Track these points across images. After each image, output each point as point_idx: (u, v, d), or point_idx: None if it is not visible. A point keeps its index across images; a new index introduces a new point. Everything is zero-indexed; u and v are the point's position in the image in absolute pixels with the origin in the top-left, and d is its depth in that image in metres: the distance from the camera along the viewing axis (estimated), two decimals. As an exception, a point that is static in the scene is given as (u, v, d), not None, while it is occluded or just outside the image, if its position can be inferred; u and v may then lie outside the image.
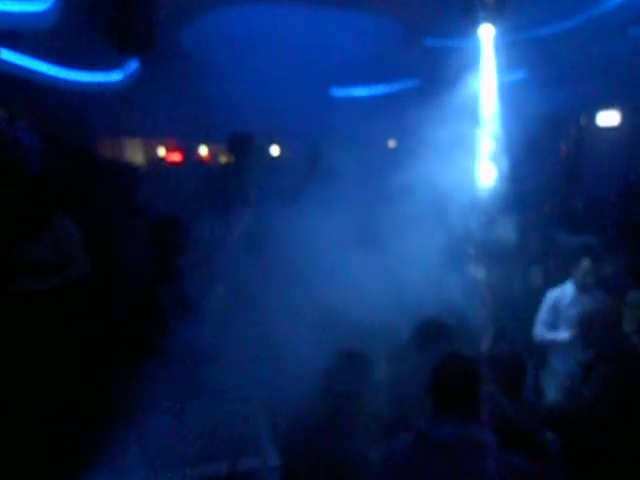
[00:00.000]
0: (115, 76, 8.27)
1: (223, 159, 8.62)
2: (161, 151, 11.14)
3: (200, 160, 10.42)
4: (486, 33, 5.29)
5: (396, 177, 3.86)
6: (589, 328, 3.56)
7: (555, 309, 4.34)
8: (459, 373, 2.34)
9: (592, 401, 2.95)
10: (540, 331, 4.38)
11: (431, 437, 2.25)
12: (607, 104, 9.35)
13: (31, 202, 3.46)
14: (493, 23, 5.16)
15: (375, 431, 2.65)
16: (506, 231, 4.82)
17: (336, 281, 3.28)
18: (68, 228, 3.61)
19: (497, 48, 5.39)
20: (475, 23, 5.14)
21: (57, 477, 2.47)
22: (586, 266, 4.29)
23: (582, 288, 4.30)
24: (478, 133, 5.20)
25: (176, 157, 10.94)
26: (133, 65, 8.09)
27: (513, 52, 5.50)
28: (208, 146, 10.57)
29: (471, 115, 5.09)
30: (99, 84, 8.23)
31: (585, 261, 4.30)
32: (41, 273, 3.38)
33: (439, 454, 2.23)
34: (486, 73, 5.44)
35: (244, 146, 4.33)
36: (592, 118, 9.68)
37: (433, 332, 3.06)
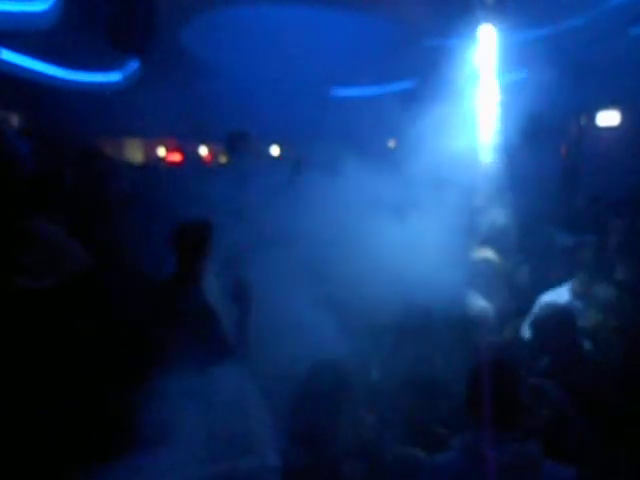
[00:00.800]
0: (115, 76, 8.29)
1: (223, 159, 8.62)
2: (161, 151, 11.15)
3: (200, 160, 10.42)
4: (486, 33, 5.29)
5: (396, 174, 3.84)
6: (543, 333, 3.25)
7: None
8: (504, 383, 2.16)
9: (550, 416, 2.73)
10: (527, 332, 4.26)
11: (488, 456, 2.05)
12: (607, 104, 9.35)
13: (17, 205, 3.46)
14: (493, 23, 5.17)
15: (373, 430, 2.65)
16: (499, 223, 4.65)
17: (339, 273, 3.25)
18: (47, 230, 3.59)
19: (497, 48, 5.38)
20: (475, 23, 5.14)
21: (55, 477, 2.47)
22: (582, 274, 4.06)
23: (578, 295, 4.05)
24: (478, 133, 5.19)
25: (176, 157, 10.95)
26: (133, 65, 8.12)
27: (513, 52, 5.50)
28: (208, 146, 10.57)
29: (470, 115, 5.08)
30: (99, 84, 8.25)
31: (582, 267, 4.15)
32: (30, 272, 3.37)
33: (497, 475, 2.04)
34: (486, 73, 5.43)
35: (240, 145, 4.28)
36: (592, 118, 9.68)
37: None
